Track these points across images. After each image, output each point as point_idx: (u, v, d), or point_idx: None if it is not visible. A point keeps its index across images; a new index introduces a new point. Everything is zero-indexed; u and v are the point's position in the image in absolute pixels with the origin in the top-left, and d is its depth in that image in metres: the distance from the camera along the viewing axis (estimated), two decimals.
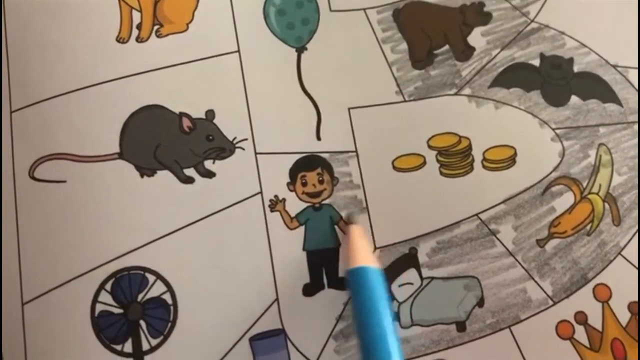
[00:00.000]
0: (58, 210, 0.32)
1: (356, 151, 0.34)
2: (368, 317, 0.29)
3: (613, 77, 0.36)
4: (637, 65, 0.36)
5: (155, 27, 0.35)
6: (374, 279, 0.30)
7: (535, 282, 0.33)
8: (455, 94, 0.35)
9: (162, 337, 0.32)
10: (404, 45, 0.36)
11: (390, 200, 0.34)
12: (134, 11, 0.35)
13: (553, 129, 0.35)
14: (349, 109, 0.35)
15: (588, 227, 0.34)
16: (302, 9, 0.36)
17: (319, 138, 0.35)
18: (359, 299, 0.30)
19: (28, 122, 0.34)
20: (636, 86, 0.36)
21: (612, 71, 0.36)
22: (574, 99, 0.36)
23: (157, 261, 0.32)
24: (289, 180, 0.34)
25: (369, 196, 0.34)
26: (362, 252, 0.31)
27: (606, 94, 0.36)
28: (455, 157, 0.34)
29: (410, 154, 0.34)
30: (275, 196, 0.34)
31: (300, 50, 0.36)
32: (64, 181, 0.33)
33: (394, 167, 0.34)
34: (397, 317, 0.33)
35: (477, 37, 0.36)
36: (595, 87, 0.36)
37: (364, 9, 0.36)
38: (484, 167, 0.34)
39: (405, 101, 0.35)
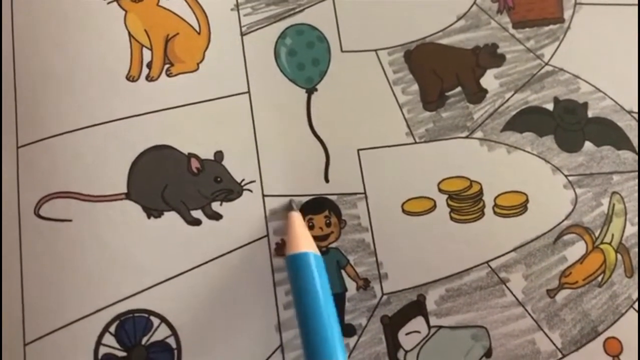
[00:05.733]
0: (63, 249, 0.32)
1: (365, 193, 0.34)
2: (307, 306, 0.29)
3: (628, 123, 0.35)
4: None
5: (166, 66, 0.35)
6: (314, 265, 0.30)
7: (545, 333, 0.32)
8: (467, 136, 0.35)
9: None
10: (415, 87, 0.36)
11: (399, 245, 0.33)
12: (144, 49, 0.35)
13: (566, 176, 0.34)
14: (358, 150, 0.35)
15: (600, 278, 0.33)
16: (313, 49, 0.36)
17: (327, 180, 0.34)
18: (298, 287, 0.30)
19: (35, 158, 0.33)
20: None
21: (627, 117, 0.35)
22: (588, 145, 0.35)
23: (162, 304, 0.32)
24: None
25: (377, 240, 0.33)
26: (302, 239, 0.31)
27: (620, 140, 0.35)
28: (466, 202, 0.34)
29: (420, 197, 0.34)
30: (282, 239, 0.33)
31: (310, 91, 0.35)
32: (70, 220, 0.32)
33: (404, 211, 0.34)
34: None
35: (490, 80, 0.36)
36: (609, 133, 0.35)
37: (375, 50, 0.36)
38: (495, 213, 0.34)
39: (415, 143, 0.35)
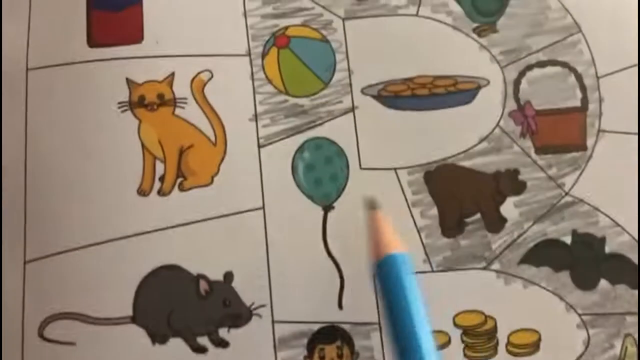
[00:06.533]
0: None
1: (379, 323, 0.33)
2: (395, 313, 0.27)
3: None
4: None
5: (179, 180, 0.33)
6: (397, 268, 0.28)
7: None
8: (484, 268, 0.34)
9: None
10: (434, 211, 0.35)
11: None
12: (157, 162, 0.33)
13: (579, 315, 0.34)
14: (373, 275, 0.34)
15: None
16: (331, 164, 0.35)
17: (340, 307, 0.33)
18: (384, 295, 0.28)
19: (41, 275, 0.32)
20: None
21: None
22: (603, 282, 0.35)
23: None
24: (306, 353, 0.33)
25: None
26: (383, 241, 0.29)
27: (635, 279, 0.35)
28: (480, 339, 0.33)
29: (435, 331, 0.33)
30: None
31: (327, 208, 0.34)
32: (74, 343, 0.31)
33: None
34: None
35: (509, 208, 0.35)
36: (625, 272, 0.35)
37: (395, 169, 0.35)
38: (507, 351, 0.33)
39: (433, 271, 0.34)
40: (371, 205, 0.31)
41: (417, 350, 0.26)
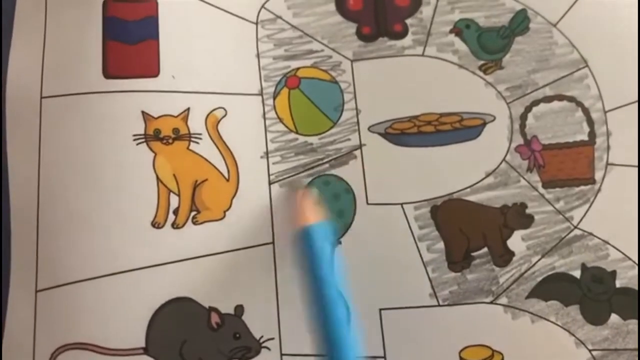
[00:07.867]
0: None
1: (385, 357, 0.33)
2: (308, 275, 0.30)
3: None
4: None
5: (193, 213, 0.35)
6: (311, 237, 0.31)
7: None
8: (491, 302, 0.34)
9: None
10: (440, 245, 0.35)
11: None
12: (172, 195, 0.35)
13: (590, 350, 0.34)
14: (380, 310, 0.34)
15: None
16: (339, 201, 0.36)
17: None
18: (301, 262, 0.31)
19: (53, 304, 0.33)
20: None
21: None
22: (614, 317, 0.34)
23: None
24: None
25: None
26: (303, 215, 0.32)
27: None
28: None
29: None
30: None
31: (334, 244, 0.35)
32: None
33: None
34: None
35: (517, 241, 0.35)
36: (637, 306, 0.34)
37: (401, 204, 0.36)
38: None
39: (439, 305, 0.34)
40: (295, 186, 0.35)
41: (325, 310, 0.30)
